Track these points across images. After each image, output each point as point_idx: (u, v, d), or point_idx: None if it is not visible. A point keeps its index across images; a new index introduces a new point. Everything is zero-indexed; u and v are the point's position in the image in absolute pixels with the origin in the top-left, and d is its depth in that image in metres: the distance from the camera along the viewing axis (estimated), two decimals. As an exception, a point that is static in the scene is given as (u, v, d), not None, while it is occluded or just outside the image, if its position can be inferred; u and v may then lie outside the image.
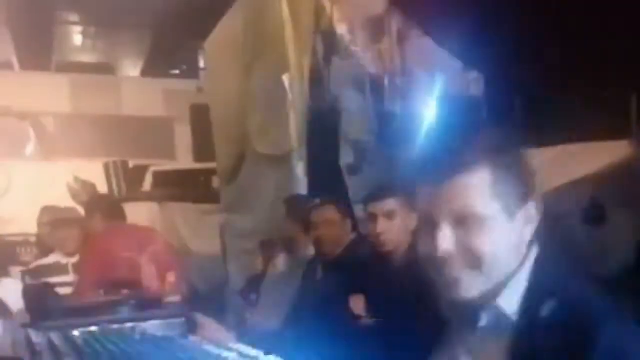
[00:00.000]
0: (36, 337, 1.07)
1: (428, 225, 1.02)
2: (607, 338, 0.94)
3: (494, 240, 1.01)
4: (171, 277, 2.62)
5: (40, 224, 3.95)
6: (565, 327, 0.96)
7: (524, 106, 3.30)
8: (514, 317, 1.01)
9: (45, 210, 3.96)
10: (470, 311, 1.03)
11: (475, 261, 1.00)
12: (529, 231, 1.04)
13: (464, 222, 1.00)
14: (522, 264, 1.04)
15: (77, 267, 3.41)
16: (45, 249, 4.22)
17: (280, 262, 3.55)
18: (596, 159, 3.16)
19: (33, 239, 5.08)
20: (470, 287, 1.00)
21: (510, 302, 1.02)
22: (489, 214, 1.00)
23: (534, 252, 1.05)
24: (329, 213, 2.83)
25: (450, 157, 1.02)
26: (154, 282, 2.62)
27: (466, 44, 3.03)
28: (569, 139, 3.43)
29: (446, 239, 1.00)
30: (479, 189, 1.01)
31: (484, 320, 1.03)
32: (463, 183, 1.00)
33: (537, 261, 1.04)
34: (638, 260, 2.72)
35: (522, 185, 1.03)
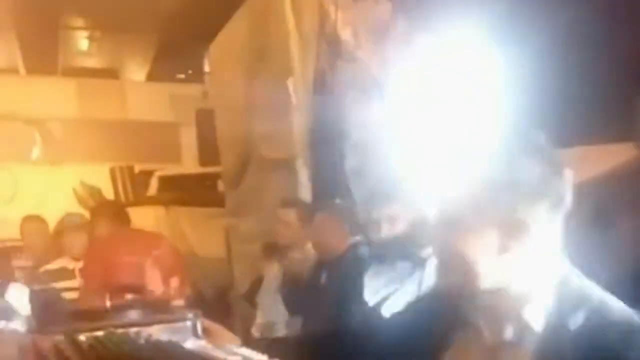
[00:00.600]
0: (42, 342, 1.07)
1: (466, 229, 1.02)
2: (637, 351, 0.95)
3: (532, 247, 1.02)
4: (175, 282, 2.60)
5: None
6: (593, 341, 0.97)
7: (527, 110, 3.30)
8: (539, 329, 1.02)
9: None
10: (495, 319, 1.05)
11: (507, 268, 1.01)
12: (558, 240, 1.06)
13: (510, 229, 1.00)
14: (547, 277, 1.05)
15: (81, 271, 3.41)
16: (52, 254, 4.24)
17: (275, 268, 3.56)
18: (601, 162, 3.16)
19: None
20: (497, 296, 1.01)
21: (536, 315, 1.03)
22: (533, 220, 1.02)
23: (559, 265, 1.06)
24: (325, 218, 2.85)
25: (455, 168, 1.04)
26: (157, 287, 2.61)
27: (471, 50, 3.03)
28: (574, 142, 3.42)
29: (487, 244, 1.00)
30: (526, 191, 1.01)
31: (509, 332, 1.03)
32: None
33: (563, 274, 1.05)
34: (644, 264, 2.70)
35: (560, 190, 1.06)
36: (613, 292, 1.15)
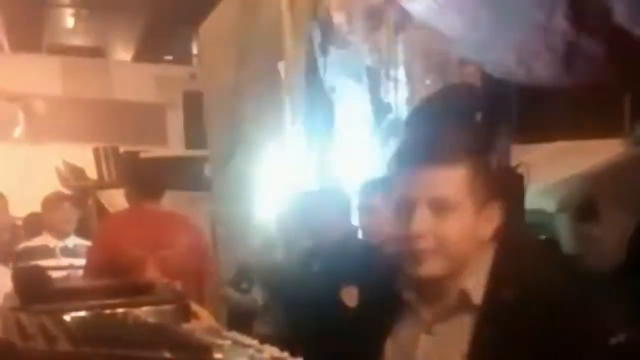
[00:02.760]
0: (27, 320, 1.04)
1: (405, 207, 1.10)
2: (573, 323, 1.02)
3: (461, 230, 1.09)
4: (177, 286, 2.49)
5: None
6: (529, 313, 1.03)
7: (520, 101, 3.30)
8: (477, 300, 1.09)
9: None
10: (434, 290, 1.11)
11: (442, 243, 1.08)
12: (490, 228, 1.12)
13: (439, 208, 1.08)
14: (482, 254, 1.12)
15: (88, 248, 3.24)
16: (31, 231, 4.19)
17: (277, 253, 3.53)
18: (589, 157, 3.18)
19: (19, 222, 5.04)
20: (436, 265, 1.08)
21: (475, 287, 1.10)
22: (461, 206, 1.09)
23: (495, 246, 1.13)
24: (318, 203, 2.82)
25: (436, 148, 1.11)
26: (157, 285, 2.46)
27: (464, 37, 3.01)
28: (563, 137, 3.44)
29: (422, 220, 1.08)
30: (458, 182, 1.09)
31: (448, 299, 1.10)
32: (445, 174, 1.09)
33: (499, 252, 1.13)
34: (629, 258, 2.73)
35: (492, 187, 1.13)
36: (597, 282, 1.21)
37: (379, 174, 2.65)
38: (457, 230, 1.09)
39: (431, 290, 1.12)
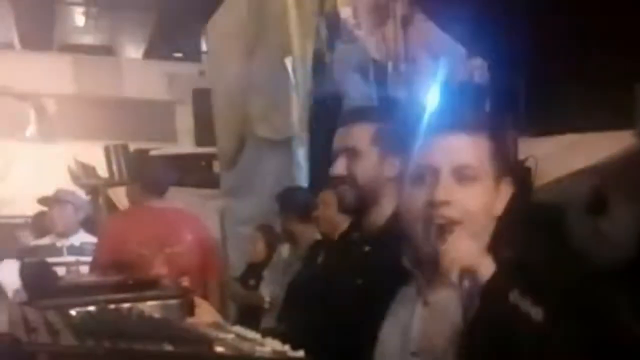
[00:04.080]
0: (32, 315, 1.05)
1: (428, 175, 1.07)
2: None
3: (483, 201, 1.08)
4: (185, 282, 2.50)
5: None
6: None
7: (527, 94, 3.28)
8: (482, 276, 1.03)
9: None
10: (437, 265, 1.06)
11: (466, 214, 1.06)
12: (502, 204, 1.11)
13: (463, 177, 1.07)
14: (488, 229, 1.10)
15: (96, 244, 3.24)
16: (39, 230, 4.22)
17: (285, 250, 3.53)
18: (600, 149, 3.15)
19: (31, 221, 5.08)
20: (462, 243, 1.04)
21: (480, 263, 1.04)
22: (483, 176, 1.08)
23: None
24: (328, 195, 2.82)
25: (460, 117, 1.10)
26: (164, 282, 2.47)
27: (471, 30, 3.00)
28: (573, 129, 3.41)
29: (448, 187, 1.06)
30: (480, 151, 1.08)
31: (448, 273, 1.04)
32: (468, 142, 1.08)
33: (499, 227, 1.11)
34: (639, 251, 2.70)
35: (508, 161, 1.13)
36: (606, 276, 1.18)
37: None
38: (480, 201, 1.08)
39: (435, 264, 1.08)
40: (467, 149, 1.08)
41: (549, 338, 0.96)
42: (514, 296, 0.98)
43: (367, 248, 1.45)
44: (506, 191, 1.12)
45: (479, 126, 1.09)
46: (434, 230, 1.05)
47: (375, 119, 1.44)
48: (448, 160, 1.07)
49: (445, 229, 1.05)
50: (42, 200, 3.86)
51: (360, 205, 1.40)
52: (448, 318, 1.06)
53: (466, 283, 1.03)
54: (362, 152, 1.41)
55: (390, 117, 1.43)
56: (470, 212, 1.06)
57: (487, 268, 1.03)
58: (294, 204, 3.28)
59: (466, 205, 1.06)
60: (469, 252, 1.04)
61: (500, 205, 1.11)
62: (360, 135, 1.43)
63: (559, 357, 0.97)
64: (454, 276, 1.03)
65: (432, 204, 1.06)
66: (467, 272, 1.03)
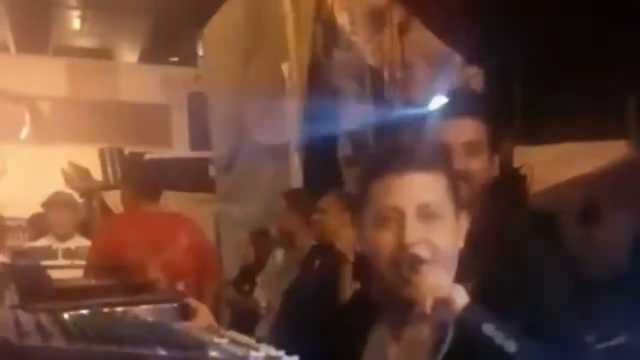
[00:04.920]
0: (25, 318, 1.05)
1: (392, 217, 1.07)
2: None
3: (449, 238, 1.08)
4: (180, 287, 2.49)
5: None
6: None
7: (523, 103, 3.29)
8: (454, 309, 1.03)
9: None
10: (410, 300, 1.05)
11: (436, 253, 1.06)
12: (463, 237, 1.12)
13: (427, 216, 1.07)
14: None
15: (90, 248, 3.23)
16: (35, 232, 4.21)
17: (279, 255, 3.53)
18: (593, 159, 3.16)
19: (26, 224, 5.06)
20: (438, 277, 1.04)
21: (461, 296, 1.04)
22: (445, 214, 1.08)
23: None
24: (333, 201, 2.83)
25: (416, 156, 1.09)
26: (159, 287, 2.46)
27: (467, 39, 3.01)
28: (567, 138, 3.42)
29: (415, 229, 1.05)
30: (440, 189, 1.09)
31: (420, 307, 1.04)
32: (428, 181, 1.08)
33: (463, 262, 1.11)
34: (632, 261, 2.71)
35: (463, 196, 1.14)
36: (599, 286, 1.19)
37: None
38: (446, 238, 1.08)
39: (407, 298, 1.07)
40: (428, 188, 1.08)
41: None
42: (488, 329, 0.99)
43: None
44: (465, 224, 1.13)
45: (435, 164, 1.10)
46: (406, 267, 1.05)
47: (483, 116, 1.38)
48: (412, 200, 1.07)
49: (417, 269, 1.05)
50: (44, 204, 3.85)
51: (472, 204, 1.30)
52: (422, 352, 1.06)
53: (440, 314, 1.02)
54: (479, 147, 1.34)
55: (493, 115, 1.39)
56: (439, 250, 1.07)
57: (461, 298, 1.03)
58: (301, 204, 3.28)
59: (434, 243, 1.06)
60: (443, 283, 1.04)
61: (461, 238, 1.12)
62: (477, 129, 1.36)
63: None
64: (428, 307, 1.02)
65: (401, 246, 1.05)
66: (442, 303, 1.02)
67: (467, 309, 1.01)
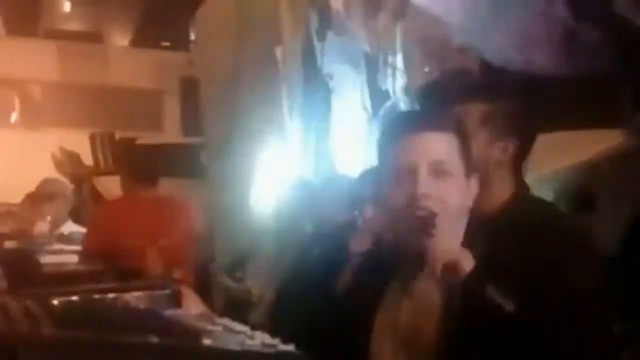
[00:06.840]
0: (12, 304, 1.02)
1: (407, 172, 1.15)
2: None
3: (458, 195, 1.16)
4: (178, 274, 2.49)
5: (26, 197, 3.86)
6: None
7: (517, 91, 3.27)
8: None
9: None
10: (422, 259, 1.12)
11: (444, 208, 1.12)
12: (471, 198, 1.20)
13: (438, 172, 1.14)
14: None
15: (84, 234, 3.19)
16: (25, 218, 4.16)
17: (272, 242, 3.51)
18: (587, 147, 3.16)
19: (16, 209, 5.01)
20: (445, 238, 1.10)
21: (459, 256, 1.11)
22: (455, 171, 1.16)
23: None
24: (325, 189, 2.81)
25: (430, 117, 1.19)
26: (156, 273, 2.44)
27: (463, 24, 2.99)
28: (562, 127, 3.42)
29: (426, 181, 1.13)
30: (451, 149, 1.17)
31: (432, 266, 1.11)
32: (439, 140, 1.16)
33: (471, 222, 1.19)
34: (625, 251, 2.72)
35: (474, 159, 1.22)
36: (596, 278, 1.29)
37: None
38: (456, 194, 1.15)
39: (419, 259, 1.14)
40: (440, 146, 1.16)
41: (520, 326, 1.05)
42: (490, 290, 1.06)
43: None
44: (475, 187, 1.20)
45: (447, 126, 1.18)
46: (418, 225, 1.11)
47: (486, 97, 1.41)
48: (424, 156, 1.15)
49: (428, 222, 1.10)
50: (34, 191, 3.81)
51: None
52: (432, 310, 1.13)
53: (449, 277, 1.09)
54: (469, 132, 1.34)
55: (501, 96, 1.41)
56: (447, 205, 1.13)
57: (467, 263, 1.09)
58: (303, 196, 3.24)
59: (443, 198, 1.13)
60: (452, 247, 1.11)
61: (470, 198, 1.19)
62: (469, 114, 1.37)
63: (530, 342, 1.06)
64: (438, 270, 1.09)
65: (413, 198, 1.12)
66: (450, 267, 1.09)
67: (473, 273, 1.08)
